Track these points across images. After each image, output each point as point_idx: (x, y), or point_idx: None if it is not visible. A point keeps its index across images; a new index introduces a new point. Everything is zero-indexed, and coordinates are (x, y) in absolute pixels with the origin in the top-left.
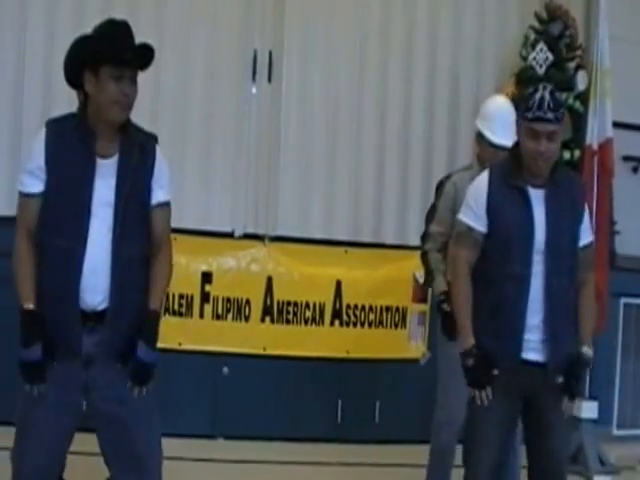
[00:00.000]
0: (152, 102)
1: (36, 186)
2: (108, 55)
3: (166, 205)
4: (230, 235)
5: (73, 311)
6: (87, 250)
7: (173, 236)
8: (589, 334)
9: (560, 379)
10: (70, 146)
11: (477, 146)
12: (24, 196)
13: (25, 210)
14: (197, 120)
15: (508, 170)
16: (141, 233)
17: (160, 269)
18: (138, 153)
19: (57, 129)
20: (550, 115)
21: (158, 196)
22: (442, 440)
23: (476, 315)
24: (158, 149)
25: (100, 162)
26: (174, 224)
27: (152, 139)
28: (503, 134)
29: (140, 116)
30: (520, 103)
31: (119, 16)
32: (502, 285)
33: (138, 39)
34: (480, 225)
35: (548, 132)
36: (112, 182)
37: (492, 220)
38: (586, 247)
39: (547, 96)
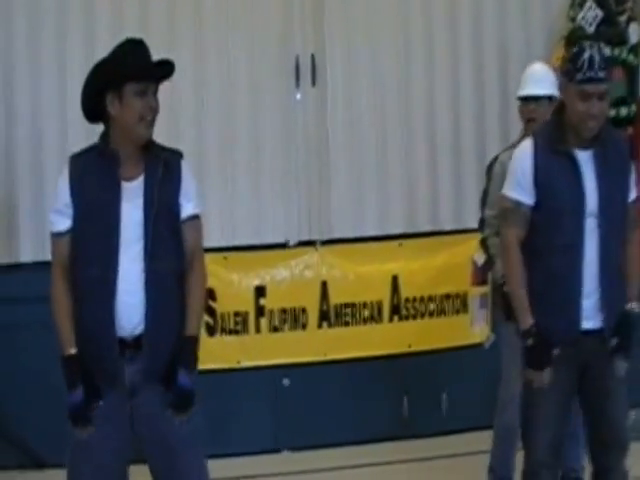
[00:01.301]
0: (197, 116)
1: (64, 223)
2: (132, 72)
3: (196, 218)
4: (284, 246)
5: (111, 340)
6: (119, 275)
7: (225, 255)
8: (636, 291)
9: (614, 341)
10: (94, 175)
11: (520, 115)
12: (54, 236)
13: (57, 249)
14: (243, 132)
15: (552, 134)
16: (174, 248)
17: (194, 290)
18: (163, 170)
19: (80, 162)
20: (602, 74)
21: (187, 209)
22: (505, 419)
23: (529, 290)
24: (183, 163)
25: (126, 185)
26: (228, 242)
27: (176, 154)
28: (533, 85)
29: (185, 131)
30: (566, 65)
31: (158, 33)
32: (552, 256)
33: (177, 54)
34: (528, 198)
35: (600, 92)
36: (140, 203)
37: (541, 190)
38: (633, 202)
39: (596, 55)
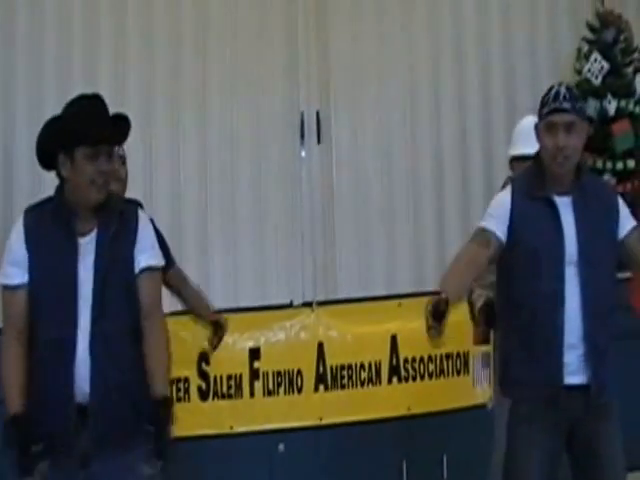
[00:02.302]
0: (200, 173)
1: (20, 276)
2: (82, 136)
3: (151, 270)
4: (283, 307)
5: (68, 407)
6: (79, 337)
7: (226, 315)
8: None
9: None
10: (50, 230)
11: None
12: (9, 289)
13: (12, 306)
14: (248, 190)
15: (530, 181)
16: (128, 306)
17: (153, 352)
18: (117, 221)
19: (35, 215)
20: (566, 105)
21: (140, 262)
22: None
23: (508, 342)
24: (141, 214)
25: (81, 241)
26: (231, 304)
27: (134, 205)
28: (523, 144)
29: (189, 189)
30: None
31: (163, 91)
32: (534, 304)
33: (182, 110)
34: (496, 228)
35: (565, 123)
36: (92, 259)
37: (517, 234)
38: (633, 230)
39: (562, 89)
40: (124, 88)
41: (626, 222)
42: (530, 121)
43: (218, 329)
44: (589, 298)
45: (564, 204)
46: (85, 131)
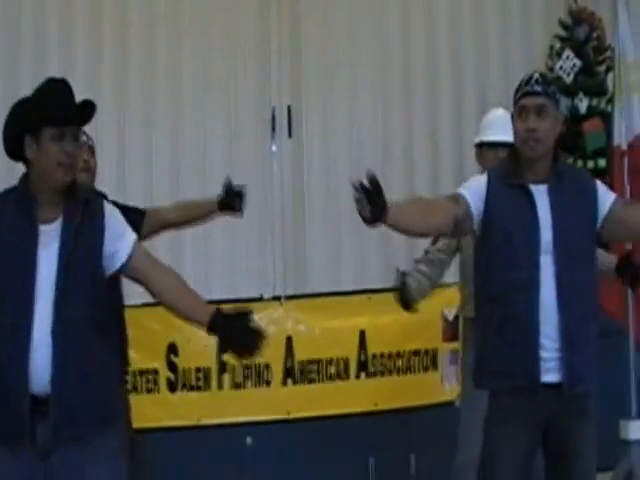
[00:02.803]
0: (172, 167)
1: None
2: (48, 115)
3: (135, 244)
4: (253, 300)
5: (22, 395)
6: (35, 324)
7: None
8: None
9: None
10: (12, 218)
11: (479, 163)
12: None
13: None
14: (219, 183)
15: (506, 169)
16: (91, 296)
17: (177, 280)
18: (82, 212)
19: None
20: (538, 87)
21: (125, 245)
22: None
23: (485, 333)
24: (106, 205)
25: (43, 229)
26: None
27: (99, 196)
28: (497, 131)
29: (160, 183)
30: None
31: (135, 82)
32: (509, 293)
33: (154, 103)
34: (471, 200)
35: (536, 105)
36: (56, 247)
37: (492, 220)
38: (616, 202)
39: (535, 74)
40: (99, 78)
41: (605, 197)
42: (500, 112)
43: None
44: (565, 287)
45: (540, 192)
46: (50, 110)
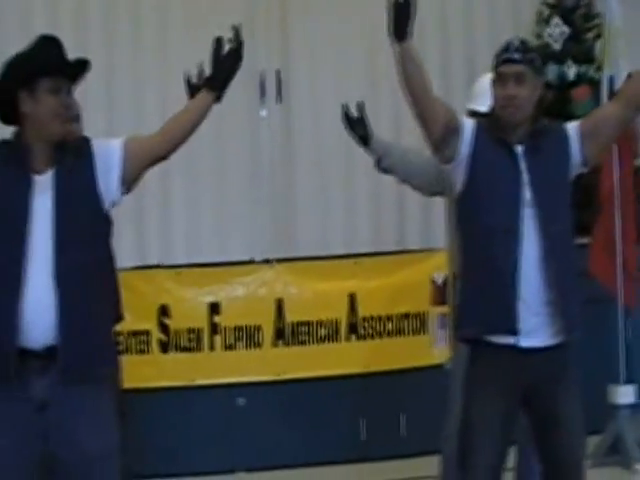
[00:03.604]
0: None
1: None
2: (44, 67)
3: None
4: (248, 263)
5: (11, 345)
6: (31, 270)
7: (178, 271)
8: None
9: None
10: (4, 169)
11: None
12: None
13: None
14: (208, 148)
15: (490, 127)
16: (90, 239)
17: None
18: (73, 158)
19: None
20: (516, 55)
21: (116, 157)
22: (452, 447)
23: (464, 285)
24: (92, 141)
25: (37, 179)
26: (192, 260)
27: (85, 139)
28: (483, 100)
29: None
30: None
31: (123, 49)
32: (490, 244)
33: (142, 65)
34: (463, 130)
35: (515, 72)
36: (50, 195)
37: (475, 170)
38: (580, 125)
39: (515, 41)
40: (86, 41)
41: (573, 132)
42: (488, 78)
43: None
44: (546, 237)
45: (518, 152)
46: (46, 63)
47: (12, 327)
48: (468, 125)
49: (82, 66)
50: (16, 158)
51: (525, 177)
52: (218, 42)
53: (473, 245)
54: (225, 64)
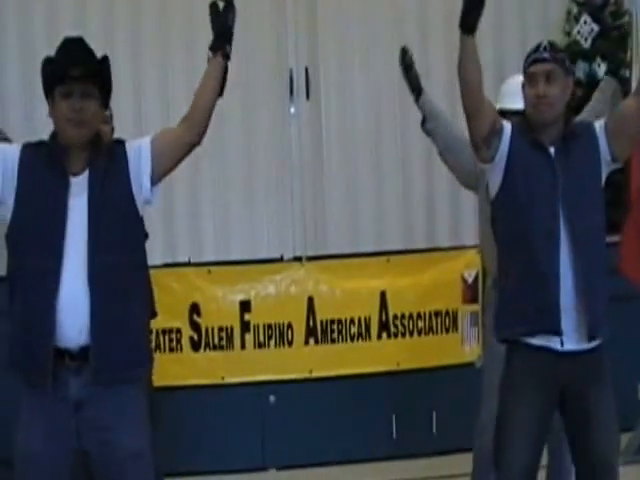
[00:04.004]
0: None
1: None
2: (54, 74)
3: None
4: (272, 261)
5: (47, 343)
6: (65, 271)
7: (209, 269)
8: None
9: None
10: (42, 170)
11: None
12: None
13: None
14: (237, 146)
15: (524, 129)
16: (124, 240)
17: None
18: (107, 161)
19: (31, 153)
20: (546, 54)
21: (145, 158)
22: (486, 442)
23: (504, 286)
24: (126, 143)
25: (73, 180)
26: (220, 258)
27: (120, 142)
28: (517, 98)
29: None
30: None
31: (150, 50)
32: (530, 239)
33: (170, 67)
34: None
35: (545, 71)
36: (85, 197)
37: (512, 168)
38: (606, 122)
39: (544, 42)
40: (113, 40)
41: (600, 130)
42: (519, 79)
43: None
44: (579, 239)
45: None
46: (56, 70)
47: (48, 327)
48: (507, 127)
49: (98, 67)
50: (53, 159)
51: (560, 179)
52: (213, 6)
53: (512, 248)
54: (222, 19)
